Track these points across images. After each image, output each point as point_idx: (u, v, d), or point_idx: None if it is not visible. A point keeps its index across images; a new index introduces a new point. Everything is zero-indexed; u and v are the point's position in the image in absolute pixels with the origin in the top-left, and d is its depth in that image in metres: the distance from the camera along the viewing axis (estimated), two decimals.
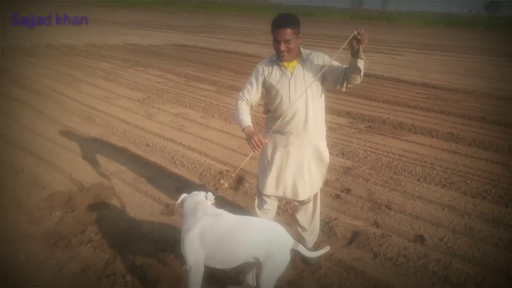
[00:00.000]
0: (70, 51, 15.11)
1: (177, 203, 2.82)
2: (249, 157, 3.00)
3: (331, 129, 6.86)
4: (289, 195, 3.24)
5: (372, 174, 5.15)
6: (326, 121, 6.72)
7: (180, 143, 5.95)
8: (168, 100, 8.43)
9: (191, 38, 22.03)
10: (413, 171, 5.24)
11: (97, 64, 12.44)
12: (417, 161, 5.60)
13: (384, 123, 7.30)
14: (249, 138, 2.88)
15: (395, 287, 3.15)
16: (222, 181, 3.15)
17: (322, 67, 2.94)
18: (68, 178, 4.73)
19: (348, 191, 4.71)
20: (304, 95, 2.97)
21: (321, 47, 19.10)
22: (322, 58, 3.00)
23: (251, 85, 3.08)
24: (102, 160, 5.27)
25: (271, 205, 3.41)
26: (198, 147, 5.72)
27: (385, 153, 5.84)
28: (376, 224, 4.03)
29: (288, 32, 2.82)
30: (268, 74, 3.03)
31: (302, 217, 3.43)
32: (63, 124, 6.68)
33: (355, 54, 2.78)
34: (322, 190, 4.47)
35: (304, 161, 3.13)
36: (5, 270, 3.12)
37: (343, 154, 5.79)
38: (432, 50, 20.43)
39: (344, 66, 2.99)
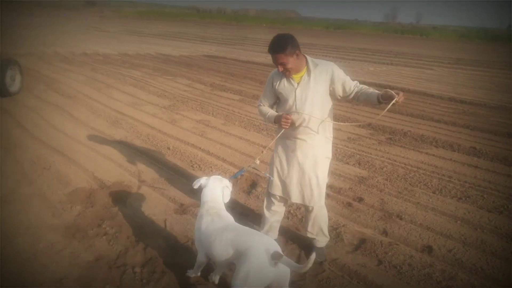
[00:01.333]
0: (104, 60, 15.70)
1: (194, 185, 3.13)
2: (279, 134, 3.28)
3: (350, 139, 6.93)
4: (297, 198, 3.37)
5: (386, 184, 5.17)
6: (345, 131, 6.83)
7: (200, 148, 6.14)
8: (192, 108, 8.69)
9: (222, 49, 22.48)
10: (429, 183, 5.22)
11: (128, 72, 12.91)
12: (435, 173, 5.58)
13: (405, 136, 7.29)
14: (278, 120, 3.18)
15: None
16: (256, 160, 3.33)
17: (330, 78, 3.12)
18: (90, 176, 4.98)
19: (360, 200, 4.75)
20: (311, 103, 3.14)
21: (349, 59, 19.19)
22: (330, 69, 3.14)
23: (266, 92, 3.37)
24: (124, 161, 5.51)
25: (279, 207, 3.55)
26: (217, 152, 5.90)
27: (403, 165, 5.84)
28: (385, 233, 4.06)
29: (281, 57, 3.01)
30: (277, 83, 3.24)
31: (309, 222, 3.52)
32: (91, 127, 7.01)
33: (380, 102, 3.04)
34: (334, 198, 4.65)
35: (311, 166, 3.25)
36: (25, 256, 3.34)
37: (359, 164, 5.83)
38: (464, 65, 20.12)
39: (355, 82, 3.20)
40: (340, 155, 6.09)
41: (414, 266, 3.49)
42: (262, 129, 7.05)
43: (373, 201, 4.71)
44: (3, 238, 3.56)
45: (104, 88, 10.34)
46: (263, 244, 2.49)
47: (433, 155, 6.34)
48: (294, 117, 3.14)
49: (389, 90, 3.00)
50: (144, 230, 3.85)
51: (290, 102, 3.18)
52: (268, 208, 3.58)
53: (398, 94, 2.92)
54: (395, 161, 6.00)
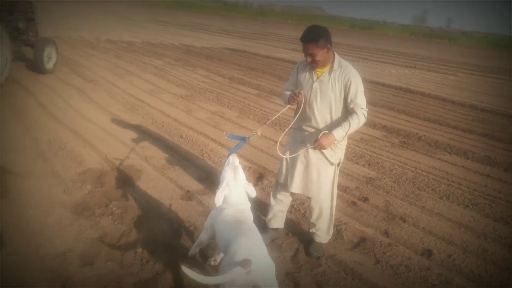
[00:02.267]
0: (127, 47, 15.95)
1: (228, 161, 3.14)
2: (286, 107, 3.40)
3: (363, 140, 6.95)
4: (297, 188, 3.46)
5: (394, 186, 5.19)
6: (359, 132, 6.83)
7: (212, 138, 6.24)
8: (209, 99, 8.80)
9: (244, 43, 22.55)
10: (437, 189, 5.22)
11: (150, 61, 13.10)
12: (444, 179, 5.56)
13: (419, 140, 7.26)
14: (290, 98, 3.28)
15: None
16: (256, 131, 3.42)
17: (345, 86, 3.13)
18: (103, 157, 5.14)
19: (365, 199, 4.78)
20: (324, 101, 3.20)
21: (371, 60, 19.05)
22: (349, 78, 3.11)
23: (291, 79, 3.47)
24: (136, 145, 5.66)
25: (284, 197, 3.65)
26: (228, 143, 5.97)
27: (413, 169, 5.84)
28: (386, 234, 4.09)
29: (312, 47, 3.04)
30: (300, 72, 3.33)
31: (312, 215, 3.60)
32: (109, 111, 7.18)
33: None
34: (339, 196, 4.62)
35: (315, 160, 3.33)
36: (34, 228, 3.51)
37: (369, 164, 5.86)
38: (489, 73, 19.77)
39: (360, 107, 3.15)
40: (350, 155, 6.11)
41: (411, 268, 3.52)
42: (275, 124, 7.10)
43: (378, 202, 4.73)
44: (15, 210, 3.74)
45: (125, 75, 10.54)
46: (245, 249, 2.48)
47: (446, 161, 6.31)
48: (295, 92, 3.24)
49: (323, 138, 3.12)
50: (149, 212, 3.98)
51: (306, 93, 3.25)
52: (274, 196, 3.70)
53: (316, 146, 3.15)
54: (406, 164, 6.00)
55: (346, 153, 5.92)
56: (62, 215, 3.75)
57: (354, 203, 4.65)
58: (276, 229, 3.79)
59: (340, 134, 3.15)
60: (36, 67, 9.31)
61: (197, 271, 2.60)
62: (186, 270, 2.26)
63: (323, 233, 3.61)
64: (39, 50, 9.17)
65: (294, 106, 3.36)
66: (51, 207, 3.87)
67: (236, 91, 9.93)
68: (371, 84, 12.40)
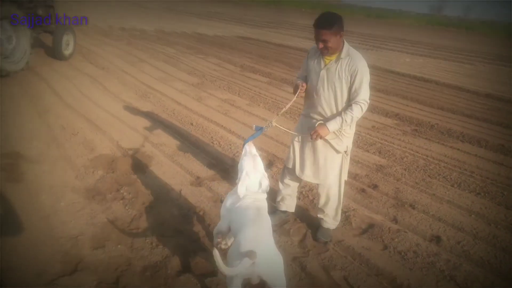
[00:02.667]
0: (140, 35, 16.02)
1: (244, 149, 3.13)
2: (294, 98, 3.38)
3: (375, 128, 6.94)
4: (304, 174, 3.52)
5: (404, 174, 5.18)
6: (370, 120, 6.78)
7: (222, 125, 6.30)
8: (219, 87, 8.84)
9: (257, 31, 22.44)
10: (448, 176, 5.20)
11: (162, 49, 13.16)
12: (456, 167, 5.54)
13: (432, 128, 7.21)
14: (296, 87, 3.34)
15: (397, 278, 3.23)
16: (271, 122, 3.43)
17: (351, 75, 3.11)
18: (115, 144, 5.23)
19: (375, 187, 4.79)
20: (330, 89, 3.20)
21: (386, 49, 18.86)
22: (355, 68, 3.09)
23: (302, 65, 3.48)
24: (148, 132, 5.74)
25: (291, 182, 3.71)
26: (237, 131, 6.04)
27: (424, 157, 5.82)
28: (395, 220, 4.10)
29: (326, 33, 3.00)
30: (310, 58, 3.34)
31: (320, 201, 3.64)
32: (121, 98, 7.27)
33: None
34: (348, 183, 4.63)
35: (322, 147, 3.36)
36: (47, 212, 3.61)
37: (380, 152, 5.85)
38: (507, 62, 19.40)
39: (363, 99, 3.14)
40: (361, 143, 6.11)
41: (419, 253, 3.54)
42: (286, 112, 7.11)
43: (388, 189, 4.74)
44: (30, 194, 3.85)
45: (137, 62, 10.62)
46: (251, 240, 2.50)
47: (458, 149, 6.27)
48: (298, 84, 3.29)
49: (319, 127, 3.18)
50: (159, 198, 4.05)
51: (313, 80, 3.27)
52: (282, 181, 3.78)
53: (312, 135, 3.19)
54: (417, 152, 5.98)
55: (356, 141, 6.07)
56: (74, 200, 3.84)
57: (363, 190, 4.67)
58: (285, 212, 3.88)
59: (334, 127, 3.19)
60: (55, 53, 9.67)
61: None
62: (216, 255, 2.25)
63: (330, 219, 3.65)
64: (58, 37, 9.50)
65: (303, 95, 3.40)
66: (64, 191, 3.97)
67: (247, 79, 9.95)
68: (384, 73, 12.31)
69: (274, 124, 3.38)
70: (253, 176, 2.96)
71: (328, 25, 2.99)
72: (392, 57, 16.69)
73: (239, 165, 3.06)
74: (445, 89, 11.05)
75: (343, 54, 3.12)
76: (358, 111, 3.15)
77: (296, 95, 3.31)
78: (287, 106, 3.42)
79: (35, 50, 8.61)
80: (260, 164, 3.04)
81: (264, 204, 2.92)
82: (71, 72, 8.78)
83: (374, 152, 5.84)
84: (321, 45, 3.07)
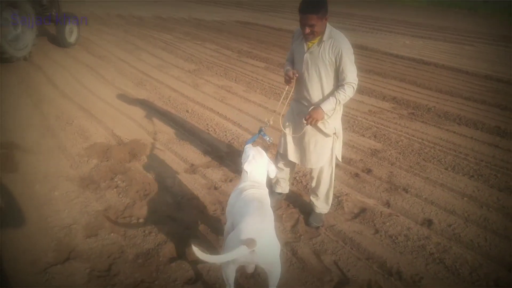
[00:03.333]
0: (137, 22, 15.94)
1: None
2: (286, 91, 3.46)
3: (371, 112, 6.93)
4: (295, 158, 3.57)
5: (399, 158, 5.20)
6: (367, 104, 6.72)
7: (218, 112, 6.32)
8: (216, 73, 8.84)
9: (256, 16, 22.22)
10: (443, 160, 5.21)
11: (159, 35, 13.11)
12: (451, 150, 5.54)
13: (429, 111, 7.19)
14: (285, 74, 3.35)
15: (387, 261, 3.26)
16: (269, 120, 3.47)
17: (335, 58, 3.10)
18: (109, 132, 5.29)
19: (369, 171, 4.80)
20: (315, 72, 3.21)
21: (386, 31, 18.67)
22: (339, 50, 3.07)
23: (291, 48, 3.47)
24: (143, 120, 5.78)
25: (284, 166, 3.77)
26: (233, 117, 6.07)
27: (420, 140, 5.82)
28: (387, 204, 4.13)
29: (313, 18, 2.98)
30: (294, 41, 3.35)
31: (312, 183, 3.69)
32: (117, 87, 7.31)
33: None
34: (342, 168, 4.71)
35: (311, 131, 3.38)
36: (41, 200, 3.68)
37: (375, 136, 5.85)
38: (509, 42, 19.20)
39: (352, 78, 3.15)
40: (357, 127, 6.13)
41: (410, 237, 3.58)
42: (283, 98, 7.12)
43: (381, 173, 4.76)
44: (24, 184, 3.90)
45: (134, 50, 10.61)
46: (253, 229, 2.48)
47: (454, 132, 6.26)
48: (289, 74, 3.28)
49: (313, 112, 3.18)
50: (153, 186, 4.10)
51: (298, 64, 3.28)
52: (276, 165, 3.70)
53: (308, 120, 3.19)
54: (413, 136, 5.98)
55: (352, 126, 6.11)
56: (69, 189, 3.91)
57: (357, 175, 4.69)
58: (280, 193, 3.97)
59: (329, 107, 3.19)
60: (60, 41, 10.07)
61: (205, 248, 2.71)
62: (196, 250, 2.26)
63: (321, 203, 3.69)
64: (62, 25, 9.87)
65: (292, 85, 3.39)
66: (58, 180, 4.04)
67: (244, 65, 9.92)
68: (383, 56, 12.23)
69: (271, 122, 3.45)
70: (259, 160, 3.00)
71: (315, 9, 2.97)
72: (392, 40, 16.54)
73: (242, 156, 3.08)
74: (444, 72, 10.98)
75: (325, 37, 3.10)
76: (350, 91, 3.17)
77: (288, 84, 3.32)
78: (281, 101, 3.46)
79: (38, 38, 8.73)
80: (264, 152, 3.09)
81: (267, 198, 2.93)
82: (67, 61, 8.82)
83: (369, 137, 5.85)
84: (307, 30, 3.04)
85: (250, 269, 2.58)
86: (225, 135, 5.49)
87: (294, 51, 3.34)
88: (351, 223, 3.77)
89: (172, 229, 3.43)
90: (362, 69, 8.99)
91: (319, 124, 3.31)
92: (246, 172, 2.92)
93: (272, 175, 3.11)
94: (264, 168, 3.03)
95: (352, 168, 4.85)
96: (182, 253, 3.19)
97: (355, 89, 3.20)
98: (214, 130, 5.65)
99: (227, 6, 27.56)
